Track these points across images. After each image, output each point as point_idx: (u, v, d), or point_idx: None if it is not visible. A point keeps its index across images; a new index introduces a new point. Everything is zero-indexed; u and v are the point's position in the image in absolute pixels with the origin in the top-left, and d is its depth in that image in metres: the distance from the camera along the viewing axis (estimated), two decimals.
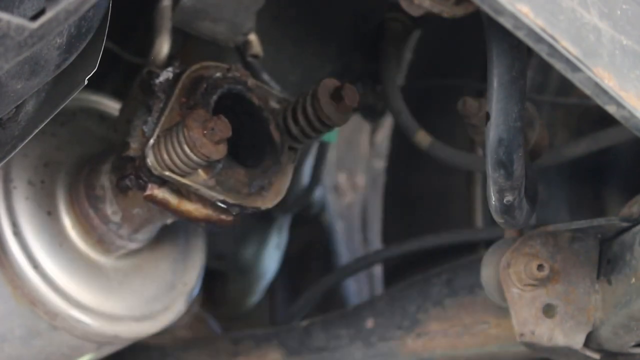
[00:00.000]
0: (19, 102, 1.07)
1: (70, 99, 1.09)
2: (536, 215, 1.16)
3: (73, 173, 1.42)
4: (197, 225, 1.34)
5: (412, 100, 1.77)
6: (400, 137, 2.08)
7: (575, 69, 0.85)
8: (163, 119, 1.25)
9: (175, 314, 1.50)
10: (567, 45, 0.84)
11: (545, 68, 1.84)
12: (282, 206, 1.54)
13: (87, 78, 1.08)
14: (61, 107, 1.10)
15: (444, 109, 1.88)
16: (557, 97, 1.86)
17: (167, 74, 1.28)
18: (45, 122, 1.09)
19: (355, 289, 2.26)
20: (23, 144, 1.08)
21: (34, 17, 0.79)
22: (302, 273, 2.23)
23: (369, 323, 1.58)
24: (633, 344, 1.13)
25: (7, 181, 1.37)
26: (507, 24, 0.83)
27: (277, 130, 1.33)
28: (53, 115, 1.10)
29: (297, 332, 1.69)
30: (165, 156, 1.22)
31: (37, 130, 1.08)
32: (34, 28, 0.79)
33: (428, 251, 1.85)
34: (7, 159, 1.09)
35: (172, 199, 1.29)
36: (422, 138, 1.70)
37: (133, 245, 1.43)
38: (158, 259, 1.50)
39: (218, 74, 1.29)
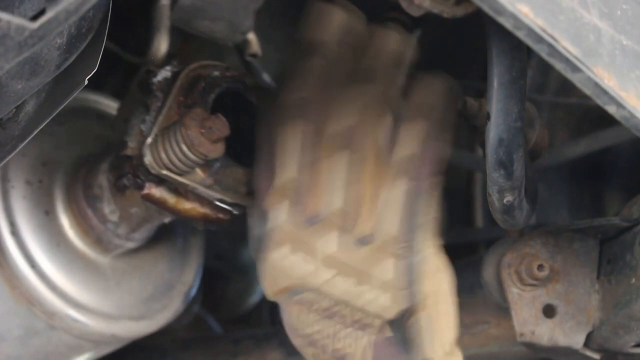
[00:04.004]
0: (19, 103, 1.06)
1: (70, 99, 1.09)
2: (536, 215, 1.16)
3: (71, 172, 1.42)
4: (195, 224, 1.34)
5: None
6: None
7: (575, 69, 0.85)
8: (161, 118, 1.25)
9: (173, 314, 1.50)
10: (567, 45, 0.84)
11: (545, 68, 1.84)
12: None
13: (87, 78, 1.08)
14: (61, 107, 1.10)
15: None
16: (557, 97, 1.86)
17: (165, 73, 1.28)
18: (45, 122, 1.09)
19: None
20: (23, 144, 1.08)
21: (34, 17, 0.79)
22: None
23: None
24: (633, 344, 1.13)
25: (4, 180, 1.36)
26: (507, 24, 0.83)
27: None
28: (53, 115, 1.10)
29: None
30: (163, 155, 1.22)
31: (37, 131, 1.08)
32: (34, 28, 0.79)
33: None
34: (7, 160, 1.09)
35: (170, 198, 1.29)
36: None
37: (131, 245, 1.43)
38: (156, 258, 1.50)
39: (216, 73, 1.29)
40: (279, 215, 1.15)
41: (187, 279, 1.52)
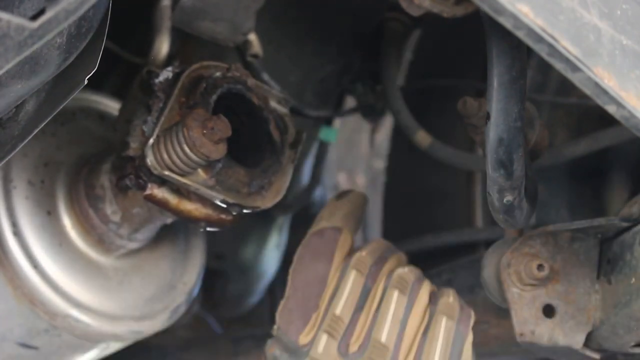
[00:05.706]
0: (19, 102, 1.07)
1: (70, 98, 1.09)
2: (536, 215, 1.16)
3: (73, 173, 1.42)
4: (197, 225, 1.34)
5: (412, 100, 1.77)
6: (400, 137, 2.08)
7: (575, 69, 0.85)
8: (163, 118, 1.25)
9: (176, 314, 1.50)
10: (567, 45, 0.84)
11: (545, 68, 1.84)
12: (282, 206, 1.55)
13: (87, 78, 1.08)
14: (61, 107, 1.10)
15: (443, 109, 1.88)
16: (557, 97, 1.86)
17: (166, 74, 1.28)
18: (45, 122, 1.09)
19: None
20: (23, 144, 1.08)
21: (34, 17, 0.80)
22: None
23: None
24: (633, 344, 1.13)
25: (7, 181, 1.37)
26: (507, 24, 0.83)
27: (277, 130, 1.34)
28: (53, 115, 1.10)
29: None
30: (165, 156, 1.22)
31: (37, 130, 1.08)
32: (34, 28, 0.79)
33: (428, 251, 1.85)
34: (7, 159, 1.09)
35: (172, 199, 1.29)
36: (422, 138, 1.70)
37: (133, 245, 1.43)
38: (158, 259, 1.50)
39: (217, 74, 1.29)
40: (319, 348, 1.20)
41: (189, 279, 1.53)
